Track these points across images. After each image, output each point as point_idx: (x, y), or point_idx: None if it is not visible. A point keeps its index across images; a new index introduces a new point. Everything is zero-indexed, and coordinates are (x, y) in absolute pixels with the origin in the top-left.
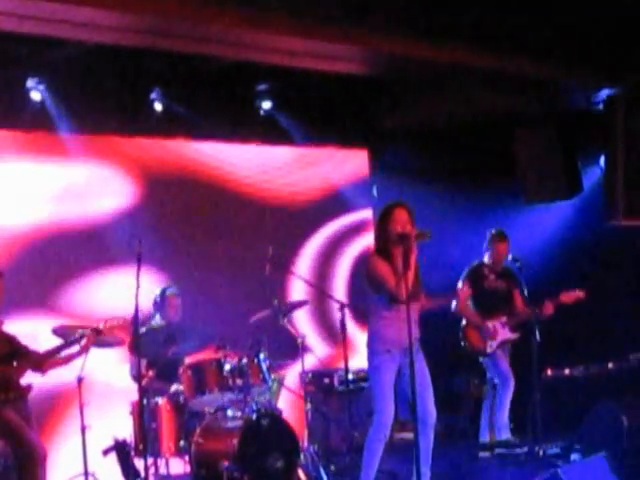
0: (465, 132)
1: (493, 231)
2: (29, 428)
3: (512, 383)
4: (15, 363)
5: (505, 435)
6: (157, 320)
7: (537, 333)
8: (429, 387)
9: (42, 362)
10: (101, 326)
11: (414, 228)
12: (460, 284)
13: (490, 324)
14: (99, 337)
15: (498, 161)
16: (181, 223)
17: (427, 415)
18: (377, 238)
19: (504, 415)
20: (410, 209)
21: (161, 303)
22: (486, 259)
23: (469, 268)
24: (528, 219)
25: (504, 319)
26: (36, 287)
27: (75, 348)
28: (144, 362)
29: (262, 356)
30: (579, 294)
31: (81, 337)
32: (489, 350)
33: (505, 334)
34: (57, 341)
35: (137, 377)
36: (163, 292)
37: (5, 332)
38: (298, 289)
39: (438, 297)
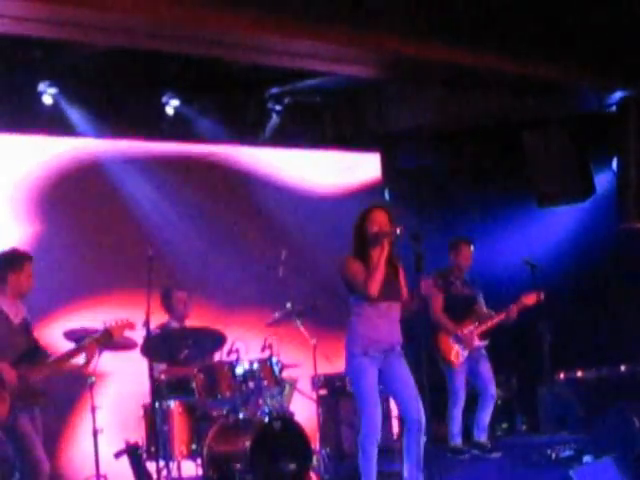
0: (477, 134)
1: (457, 236)
2: (38, 440)
3: (493, 388)
4: (35, 365)
5: (482, 438)
6: (171, 322)
7: (549, 336)
8: (414, 390)
9: (59, 367)
10: (109, 326)
11: (390, 227)
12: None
13: (465, 330)
14: (110, 340)
15: (511, 163)
16: (196, 226)
17: (415, 418)
18: (354, 240)
19: (486, 419)
20: (390, 212)
21: (168, 301)
22: (450, 265)
23: (436, 276)
24: (541, 222)
25: (472, 327)
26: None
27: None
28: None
29: (274, 359)
30: (539, 295)
31: (92, 341)
32: (461, 359)
33: (475, 342)
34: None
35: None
36: (167, 290)
37: (28, 324)
38: (311, 292)
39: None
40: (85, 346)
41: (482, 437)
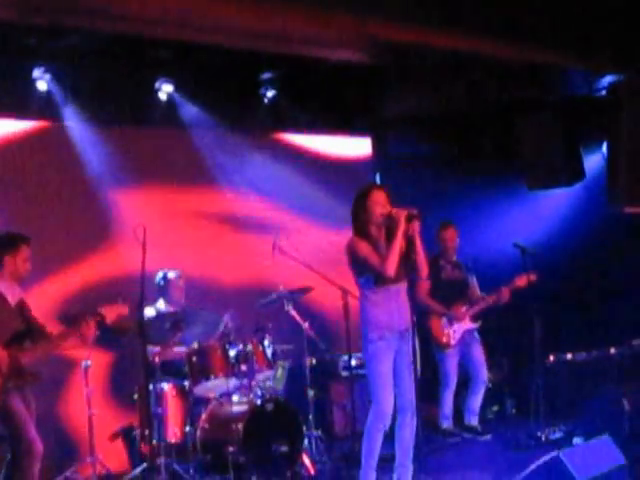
0: (467, 119)
1: (440, 221)
2: (30, 420)
3: (485, 373)
4: (28, 345)
5: (474, 421)
6: (162, 305)
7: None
8: (411, 376)
9: (53, 347)
10: (102, 311)
11: (404, 208)
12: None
13: (457, 310)
14: (103, 324)
15: (501, 147)
16: (187, 212)
17: (407, 404)
18: (356, 220)
19: (477, 403)
20: (387, 191)
21: (165, 286)
22: (439, 249)
23: None
24: (531, 205)
25: (464, 309)
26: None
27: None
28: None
29: (267, 342)
30: (531, 277)
31: (87, 324)
32: (453, 341)
33: (467, 324)
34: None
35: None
36: (165, 275)
37: (25, 304)
38: (302, 275)
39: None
40: (80, 327)
41: (473, 421)
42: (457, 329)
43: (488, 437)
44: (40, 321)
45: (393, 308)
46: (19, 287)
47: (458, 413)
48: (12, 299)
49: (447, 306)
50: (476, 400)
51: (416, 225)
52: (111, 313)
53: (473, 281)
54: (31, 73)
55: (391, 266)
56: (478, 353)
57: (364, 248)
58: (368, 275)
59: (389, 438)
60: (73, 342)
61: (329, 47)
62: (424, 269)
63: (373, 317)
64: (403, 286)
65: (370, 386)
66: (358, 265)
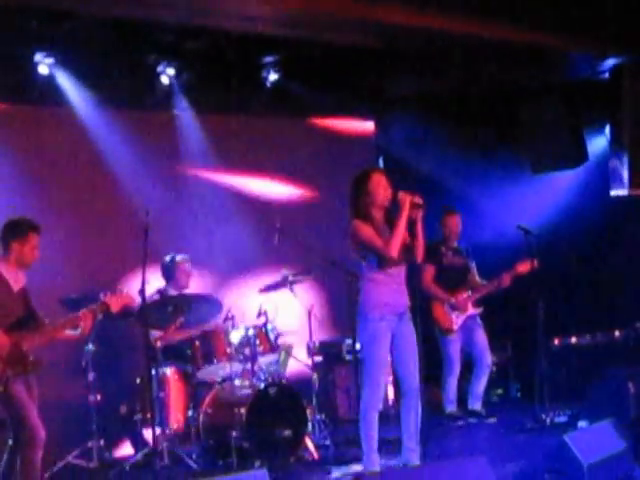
0: (471, 102)
1: (443, 208)
2: (33, 406)
3: (489, 357)
4: (28, 332)
5: (477, 406)
6: (168, 289)
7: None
8: (415, 358)
9: (53, 336)
10: (107, 299)
11: (408, 192)
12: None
13: (459, 297)
14: (107, 312)
15: (504, 130)
16: (195, 194)
17: (411, 388)
18: (356, 202)
19: (480, 387)
20: (387, 174)
21: (171, 270)
22: (441, 236)
23: (427, 247)
24: (534, 188)
25: (466, 294)
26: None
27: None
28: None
29: (270, 326)
30: (532, 263)
31: (87, 311)
32: (456, 327)
33: (469, 310)
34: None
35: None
36: (173, 258)
37: (27, 292)
38: (306, 259)
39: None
40: (79, 316)
41: (477, 405)
42: (459, 315)
43: (493, 420)
44: (38, 311)
45: (394, 290)
46: (23, 274)
47: (462, 397)
48: (15, 285)
49: (449, 292)
50: (480, 385)
51: (420, 211)
52: (116, 303)
53: (473, 267)
54: (32, 58)
55: (395, 248)
56: (481, 338)
57: (367, 231)
58: (371, 257)
59: (395, 421)
60: (69, 334)
61: (332, 30)
62: (420, 254)
63: (375, 297)
64: (403, 269)
65: (365, 367)
66: (361, 248)
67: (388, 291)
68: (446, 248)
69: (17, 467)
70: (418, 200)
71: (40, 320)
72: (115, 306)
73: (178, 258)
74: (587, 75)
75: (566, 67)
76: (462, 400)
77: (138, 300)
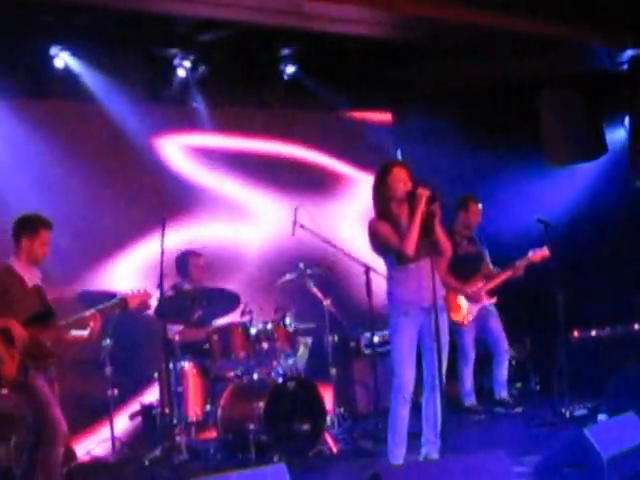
0: (489, 95)
1: (465, 195)
2: (54, 400)
3: (505, 342)
4: (45, 327)
5: (504, 394)
6: (183, 283)
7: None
8: (441, 352)
9: (59, 335)
10: (126, 296)
11: (425, 188)
12: None
13: (473, 288)
14: (125, 309)
15: (523, 122)
16: (209, 188)
17: (432, 381)
18: (376, 197)
19: (503, 374)
20: (408, 167)
21: (185, 265)
22: (456, 224)
23: None
24: (553, 181)
25: (480, 284)
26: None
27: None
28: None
29: (288, 320)
30: (545, 252)
31: (96, 312)
32: (470, 318)
33: (483, 301)
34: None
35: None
36: (185, 253)
37: (41, 288)
38: (324, 252)
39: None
40: (88, 316)
41: (503, 393)
42: (475, 305)
43: (520, 409)
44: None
45: (415, 286)
46: (38, 271)
47: (486, 390)
48: (29, 281)
49: (463, 281)
50: (502, 372)
51: (437, 207)
52: (135, 300)
53: (486, 254)
54: (48, 51)
55: (410, 246)
56: (495, 325)
57: (384, 230)
58: (390, 255)
59: (416, 415)
60: (77, 336)
61: (351, 23)
62: (447, 249)
63: (396, 294)
64: (425, 264)
65: (392, 360)
66: (379, 246)
67: (410, 287)
68: (460, 237)
69: (38, 463)
70: (434, 194)
71: (55, 317)
72: (133, 303)
73: (191, 253)
74: (606, 66)
75: (585, 58)
76: (486, 393)
77: (155, 296)
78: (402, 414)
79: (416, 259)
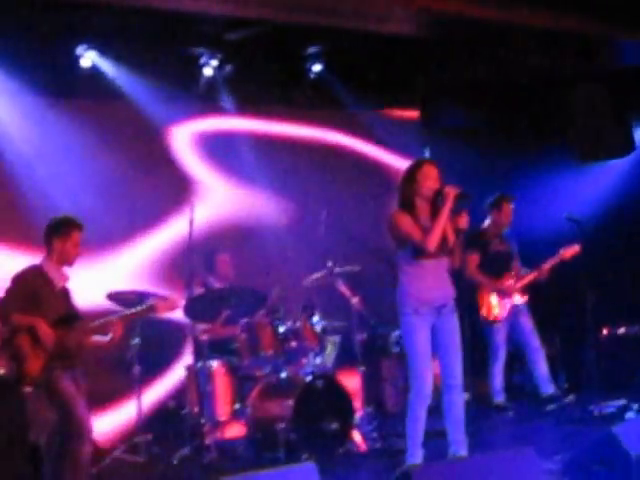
0: (517, 92)
1: (498, 194)
2: (81, 400)
3: (537, 339)
4: (71, 329)
5: (551, 389)
6: (210, 279)
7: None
8: (457, 350)
9: (80, 340)
10: (155, 304)
11: (454, 187)
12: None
13: (506, 283)
14: (152, 315)
15: (552, 120)
16: (235, 182)
17: (453, 381)
18: (404, 191)
19: (544, 370)
20: (439, 167)
21: (211, 261)
22: (487, 223)
23: (472, 235)
24: (582, 178)
25: (512, 281)
26: None
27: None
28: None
29: (316, 318)
30: (575, 248)
31: (120, 318)
32: (503, 314)
33: (515, 298)
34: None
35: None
36: (210, 253)
37: (68, 291)
38: (352, 250)
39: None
40: (111, 322)
41: (550, 389)
42: (506, 302)
43: (572, 397)
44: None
45: (429, 283)
46: (67, 273)
47: (529, 390)
48: (58, 282)
49: (495, 279)
50: (542, 368)
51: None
52: (163, 308)
53: (516, 252)
54: (74, 51)
55: (433, 241)
56: (527, 321)
57: (405, 222)
58: (407, 248)
59: (440, 414)
60: (98, 341)
61: (378, 20)
62: (457, 259)
63: (408, 291)
64: (443, 262)
65: (407, 360)
66: (398, 238)
67: (423, 284)
68: (491, 235)
69: (65, 462)
70: (463, 193)
71: (80, 320)
72: (162, 311)
73: (218, 253)
74: (634, 63)
75: (613, 55)
76: (531, 392)
77: (182, 304)
78: (421, 415)
79: (435, 256)
